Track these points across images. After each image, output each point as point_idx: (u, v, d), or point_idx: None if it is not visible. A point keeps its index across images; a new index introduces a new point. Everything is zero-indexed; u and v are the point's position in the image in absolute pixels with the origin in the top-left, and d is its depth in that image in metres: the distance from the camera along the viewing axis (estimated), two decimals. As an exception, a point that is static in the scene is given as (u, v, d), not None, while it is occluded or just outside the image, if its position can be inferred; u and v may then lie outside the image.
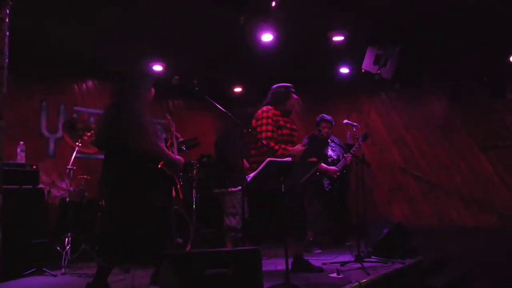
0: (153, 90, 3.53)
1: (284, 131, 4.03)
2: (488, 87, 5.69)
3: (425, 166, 6.36)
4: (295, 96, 4.20)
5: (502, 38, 5.30)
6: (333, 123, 5.60)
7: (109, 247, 3.25)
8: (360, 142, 4.97)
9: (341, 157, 5.51)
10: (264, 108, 4.09)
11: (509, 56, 5.46)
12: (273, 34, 5.14)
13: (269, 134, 3.94)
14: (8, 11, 2.13)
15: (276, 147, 3.89)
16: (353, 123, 4.97)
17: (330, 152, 5.59)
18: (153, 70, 6.14)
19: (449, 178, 6.12)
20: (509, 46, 5.41)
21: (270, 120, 3.98)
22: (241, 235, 3.97)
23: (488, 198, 5.73)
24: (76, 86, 6.54)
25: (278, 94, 4.17)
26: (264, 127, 3.97)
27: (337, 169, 5.37)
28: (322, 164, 5.22)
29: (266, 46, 5.38)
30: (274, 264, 4.21)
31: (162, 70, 6.20)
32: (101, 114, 3.49)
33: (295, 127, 4.22)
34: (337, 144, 5.56)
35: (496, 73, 5.62)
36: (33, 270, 4.22)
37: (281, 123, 4.04)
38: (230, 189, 4.68)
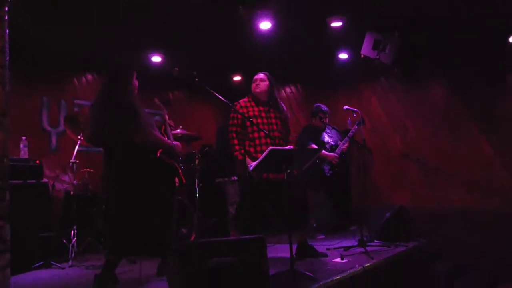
0: (136, 82, 3.52)
1: (259, 120, 3.99)
2: (489, 73, 5.69)
3: (426, 151, 6.37)
4: (255, 82, 4.15)
5: (504, 22, 5.27)
6: (329, 112, 5.68)
7: (114, 240, 3.29)
8: (357, 127, 5.02)
9: (338, 143, 5.57)
10: (235, 104, 4.09)
11: (508, 38, 5.44)
12: (271, 22, 5.13)
13: (234, 135, 3.99)
14: (7, 9, 2.13)
15: (236, 153, 3.92)
16: (353, 108, 5.01)
17: (327, 139, 5.64)
18: (148, 62, 6.13)
19: (450, 163, 6.14)
20: (508, 30, 5.38)
21: (235, 121, 4.01)
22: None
23: (489, 182, 5.75)
24: (76, 80, 6.54)
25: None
26: (229, 135, 4.03)
27: (336, 155, 5.41)
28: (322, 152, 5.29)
29: (265, 34, 5.36)
30: (278, 250, 4.25)
31: (161, 61, 6.19)
32: (91, 111, 3.46)
33: (279, 114, 4.12)
34: (334, 129, 5.60)
35: (496, 58, 5.61)
36: (40, 263, 4.29)
37: (251, 113, 4.01)
38: (232, 178, 4.71)
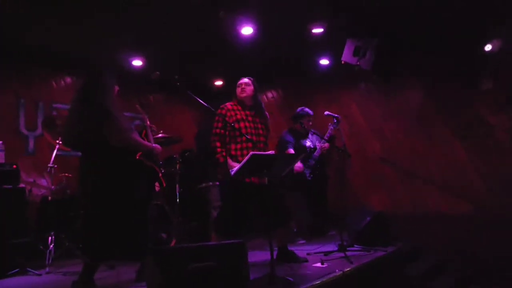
0: (116, 86, 3.50)
1: (241, 124, 3.99)
2: (462, 78, 5.83)
3: (402, 155, 6.48)
4: (240, 87, 4.16)
5: (476, 28, 5.42)
6: (312, 115, 5.77)
7: (93, 244, 3.24)
8: (332, 127, 5.10)
9: (317, 145, 5.63)
10: (222, 106, 4.11)
11: (483, 47, 5.60)
12: (252, 27, 5.16)
13: (216, 138, 3.99)
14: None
15: (218, 155, 3.94)
16: (334, 114, 5.09)
17: (308, 144, 5.70)
18: (128, 65, 6.09)
19: (425, 167, 6.25)
20: (483, 36, 5.54)
21: (219, 124, 4.01)
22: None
23: (463, 186, 5.87)
24: (54, 83, 6.44)
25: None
26: (211, 137, 4.03)
27: (300, 166, 5.44)
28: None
29: (247, 39, 5.39)
30: (259, 255, 4.26)
31: (142, 65, 6.16)
32: (68, 113, 3.43)
33: (263, 119, 4.16)
34: (315, 135, 5.65)
35: (470, 64, 5.76)
36: (16, 270, 4.19)
37: (238, 117, 4.02)
38: (216, 183, 4.70)
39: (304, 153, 5.32)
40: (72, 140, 3.41)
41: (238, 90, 4.16)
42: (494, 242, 5.20)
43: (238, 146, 3.97)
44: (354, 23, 5.33)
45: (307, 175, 5.58)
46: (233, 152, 3.96)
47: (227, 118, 3.96)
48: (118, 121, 3.21)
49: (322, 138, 5.47)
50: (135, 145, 3.32)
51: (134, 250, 3.27)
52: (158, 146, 3.60)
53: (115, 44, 5.49)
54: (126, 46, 5.66)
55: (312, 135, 5.75)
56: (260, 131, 4.08)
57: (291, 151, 5.46)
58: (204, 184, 5.78)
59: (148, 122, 3.82)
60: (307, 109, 5.76)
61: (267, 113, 4.26)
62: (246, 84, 4.15)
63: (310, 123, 5.70)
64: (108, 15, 4.76)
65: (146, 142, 3.48)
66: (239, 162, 3.78)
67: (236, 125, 3.93)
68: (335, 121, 5.13)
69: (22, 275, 4.17)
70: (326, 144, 5.55)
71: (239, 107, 4.09)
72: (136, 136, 3.38)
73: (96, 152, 3.24)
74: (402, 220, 5.64)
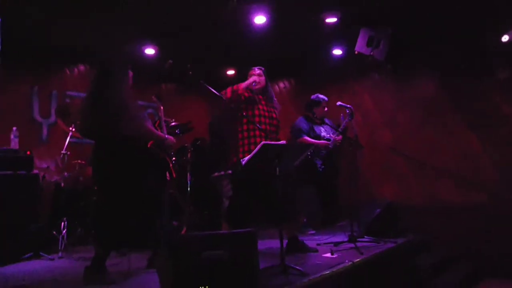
0: (131, 73, 3.52)
1: (260, 106, 4.04)
2: (476, 67, 5.74)
3: (415, 146, 6.41)
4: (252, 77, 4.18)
5: (491, 18, 5.33)
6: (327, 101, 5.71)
7: (105, 232, 3.28)
8: (347, 121, 5.05)
9: (331, 137, 5.59)
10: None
11: (501, 36, 5.50)
12: (266, 16, 5.12)
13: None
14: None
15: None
16: (346, 105, 5.01)
17: (323, 133, 5.65)
18: (141, 54, 6.09)
19: (438, 157, 6.18)
20: (498, 26, 5.44)
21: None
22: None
23: (477, 176, 5.80)
24: (67, 71, 6.49)
25: None
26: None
27: (328, 143, 5.44)
28: (310, 139, 5.36)
29: (259, 28, 5.36)
30: (270, 244, 4.27)
31: (155, 53, 6.15)
32: (83, 102, 3.47)
33: (274, 109, 4.19)
34: (328, 125, 5.60)
35: (483, 54, 5.66)
36: (30, 254, 4.27)
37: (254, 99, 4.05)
38: (229, 172, 4.71)
39: (312, 146, 5.29)
40: (86, 128, 3.44)
41: (251, 79, 4.14)
42: (507, 235, 5.16)
43: (251, 133, 3.96)
44: (367, 13, 5.26)
45: (319, 165, 5.55)
46: (245, 141, 3.96)
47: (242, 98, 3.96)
48: (131, 109, 3.24)
49: (336, 129, 5.43)
50: (147, 133, 3.34)
51: (146, 239, 3.30)
52: (171, 137, 3.61)
53: (127, 33, 5.49)
54: (138, 35, 5.65)
55: (326, 124, 5.67)
56: (274, 121, 4.09)
57: (307, 139, 5.42)
58: (216, 174, 5.80)
59: (163, 114, 3.84)
60: (321, 96, 5.68)
61: (278, 103, 4.26)
62: (258, 75, 4.14)
63: (326, 109, 5.63)
64: (119, 5, 4.76)
65: (158, 132, 3.49)
66: (250, 150, 3.79)
67: (250, 112, 3.93)
68: (348, 112, 5.08)
69: (36, 259, 4.26)
70: (340, 137, 5.49)
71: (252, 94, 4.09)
72: (149, 124, 3.40)
73: (109, 141, 3.26)
74: (414, 212, 5.60)
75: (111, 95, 3.23)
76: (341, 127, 5.34)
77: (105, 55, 4.29)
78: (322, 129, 5.68)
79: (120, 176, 3.26)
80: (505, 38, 5.50)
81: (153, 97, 3.98)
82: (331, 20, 5.34)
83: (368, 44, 5.41)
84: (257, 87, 4.09)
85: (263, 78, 4.15)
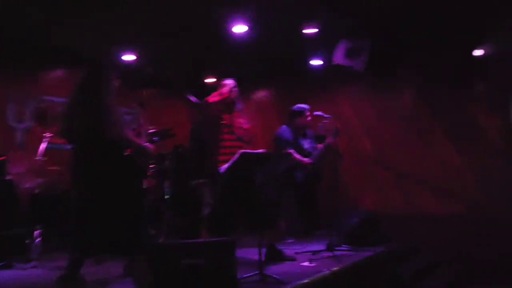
0: (118, 80, 3.50)
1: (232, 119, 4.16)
2: (456, 79, 5.87)
3: (395, 155, 6.50)
4: (227, 87, 4.26)
5: (471, 30, 5.47)
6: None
7: (83, 239, 3.22)
8: (333, 139, 5.04)
9: (313, 149, 5.54)
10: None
11: (476, 49, 5.65)
12: (247, 25, 5.15)
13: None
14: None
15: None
16: (325, 115, 5.00)
17: (306, 145, 5.56)
18: (120, 60, 6.05)
19: (418, 167, 6.27)
20: (476, 39, 5.59)
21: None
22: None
23: (455, 186, 5.91)
24: (44, 75, 6.36)
25: None
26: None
27: (310, 161, 5.39)
28: (296, 155, 5.29)
29: (240, 37, 5.38)
30: (249, 252, 4.25)
31: (135, 59, 6.11)
32: (66, 106, 3.44)
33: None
34: (310, 137, 5.60)
35: (464, 66, 5.81)
36: (2, 263, 4.14)
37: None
38: (209, 179, 4.70)
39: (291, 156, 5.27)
40: (69, 132, 3.39)
41: (227, 89, 4.17)
42: (486, 242, 5.26)
43: (229, 143, 3.98)
44: (348, 23, 5.34)
45: (299, 177, 5.52)
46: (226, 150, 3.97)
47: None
48: (115, 114, 3.22)
49: (317, 140, 5.39)
50: (128, 140, 3.32)
51: (124, 246, 3.25)
52: (150, 145, 3.60)
53: (108, 37, 5.44)
54: (119, 41, 5.61)
55: (308, 136, 5.63)
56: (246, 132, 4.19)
57: (294, 154, 5.30)
58: (196, 181, 5.76)
59: (144, 122, 3.82)
60: (303, 105, 5.55)
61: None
62: (234, 86, 4.22)
63: (309, 118, 5.49)
64: (101, 9, 4.72)
65: (138, 140, 3.47)
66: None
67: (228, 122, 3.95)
68: (335, 132, 5.06)
69: (8, 268, 4.12)
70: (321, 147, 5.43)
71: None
72: (129, 132, 3.38)
73: (91, 146, 3.24)
74: (395, 220, 5.65)
75: (97, 98, 3.23)
76: (326, 144, 5.24)
77: (93, 58, 4.26)
78: (305, 142, 5.63)
79: (100, 181, 3.23)
80: (479, 52, 5.65)
81: (136, 104, 3.96)
82: (312, 30, 5.40)
83: (347, 55, 5.48)
84: (232, 96, 4.18)
85: (236, 89, 4.23)
